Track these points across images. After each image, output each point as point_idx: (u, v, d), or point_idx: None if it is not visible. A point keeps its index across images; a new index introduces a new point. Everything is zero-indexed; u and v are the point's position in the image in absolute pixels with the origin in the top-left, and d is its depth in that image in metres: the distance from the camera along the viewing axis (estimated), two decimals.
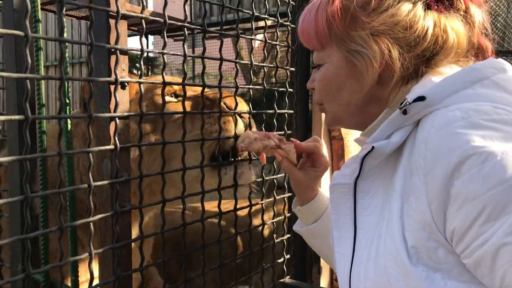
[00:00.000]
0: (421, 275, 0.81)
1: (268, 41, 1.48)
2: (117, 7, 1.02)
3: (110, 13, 1.03)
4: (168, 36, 1.12)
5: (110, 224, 1.08)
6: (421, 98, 0.87)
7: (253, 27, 1.45)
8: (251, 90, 1.43)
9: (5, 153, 1.57)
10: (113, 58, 1.05)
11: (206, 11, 1.28)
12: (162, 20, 1.14)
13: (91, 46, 0.97)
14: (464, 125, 0.80)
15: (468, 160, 0.76)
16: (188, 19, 1.24)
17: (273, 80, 7.63)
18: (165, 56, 1.16)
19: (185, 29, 1.21)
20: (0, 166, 1.52)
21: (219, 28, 1.37)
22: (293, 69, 1.64)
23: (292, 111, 1.65)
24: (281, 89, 1.58)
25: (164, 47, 1.17)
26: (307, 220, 1.29)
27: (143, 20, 1.11)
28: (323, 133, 1.70)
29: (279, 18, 1.51)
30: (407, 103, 0.88)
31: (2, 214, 1.30)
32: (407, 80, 0.97)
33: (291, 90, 1.61)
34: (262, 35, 1.52)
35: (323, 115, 1.70)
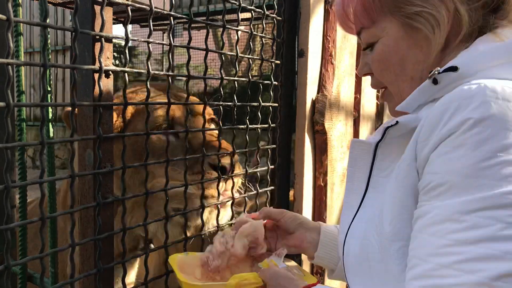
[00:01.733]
0: (395, 246, 0.84)
1: (254, 33, 1.46)
2: None
3: None
4: (146, 26, 1.09)
5: (92, 215, 1.05)
6: (453, 69, 0.81)
7: (239, 18, 1.44)
8: (236, 83, 1.42)
9: None
10: (97, 45, 1.02)
11: (193, 1, 1.26)
12: (148, 8, 1.12)
13: (75, 33, 0.94)
14: (471, 104, 0.74)
15: (449, 137, 0.75)
16: (169, 8, 1.21)
17: (254, 73, 7.63)
18: (142, 46, 1.14)
19: (171, 18, 1.19)
20: None
21: (201, 18, 1.35)
22: (278, 61, 1.63)
23: (276, 104, 1.64)
24: (265, 81, 1.56)
25: (149, 35, 1.15)
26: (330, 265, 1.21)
27: (128, 8, 1.08)
28: (306, 127, 1.70)
29: (265, 10, 1.50)
30: (436, 72, 0.82)
31: None
32: (472, 37, 0.88)
33: (276, 83, 1.60)
34: (245, 27, 1.50)
35: (307, 108, 1.70)
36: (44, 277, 0.95)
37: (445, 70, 0.81)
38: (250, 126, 1.48)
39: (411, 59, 0.92)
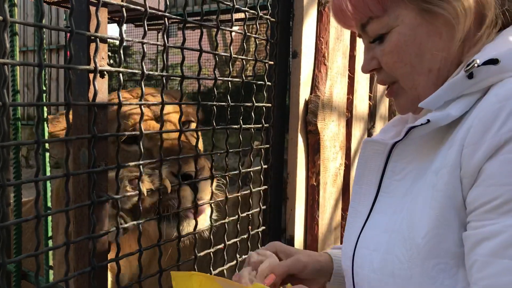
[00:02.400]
0: (431, 262, 0.76)
1: (247, 34, 1.48)
2: None
3: (91, 0, 1.01)
4: (141, 25, 1.10)
5: (86, 214, 1.07)
6: (493, 61, 0.74)
7: (233, 19, 1.45)
8: (229, 83, 1.43)
9: None
10: (92, 46, 1.03)
11: (188, 1, 1.28)
12: (142, 9, 1.13)
13: (71, 33, 0.95)
14: None
15: (511, 143, 0.68)
16: (163, 8, 1.23)
17: (248, 73, 7.62)
18: (137, 45, 1.15)
19: (166, 19, 1.21)
20: None
21: (195, 18, 1.36)
22: (271, 62, 1.65)
23: (269, 105, 1.65)
24: (259, 82, 1.58)
25: (144, 36, 1.16)
26: None
27: (123, 9, 1.09)
28: (299, 127, 1.72)
29: (259, 11, 1.52)
30: (475, 65, 0.75)
31: None
32: (497, 22, 0.82)
33: (269, 83, 1.62)
34: (239, 27, 1.52)
35: (300, 109, 1.72)
36: (39, 276, 0.96)
37: (485, 63, 0.74)
38: (243, 126, 1.50)
39: (430, 48, 0.84)
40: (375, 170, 0.92)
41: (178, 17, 1.28)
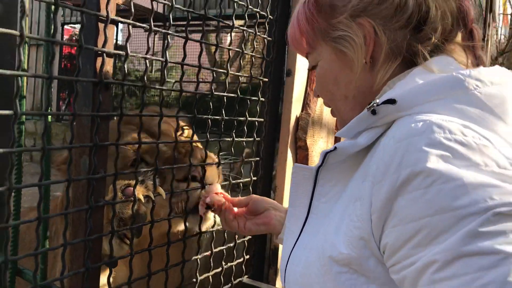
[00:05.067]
0: (342, 277, 0.84)
1: (245, 52, 1.55)
2: (107, 12, 1.06)
3: (100, 17, 1.07)
4: (137, 26, 1.17)
5: (83, 217, 1.12)
6: (391, 101, 0.84)
7: (232, 38, 1.52)
8: (224, 98, 1.50)
9: None
10: (99, 60, 1.09)
11: (189, 17, 1.34)
12: (147, 26, 1.20)
13: (80, 48, 1.02)
14: (422, 141, 0.75)
15: (415, 180, 0.74)
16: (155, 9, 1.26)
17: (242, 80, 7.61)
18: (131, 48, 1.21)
19: (168, 36, 1.27)
20: None
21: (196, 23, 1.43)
22: (266, 79, 1.72)
23: (262, 119, 1.73)
24: (253, 98, 1.65)
25: (147, 52, 1.22)
26: None
27: (129, 26, 1.16)
28: (289, 142, 1.79)
29: (257, 30, 1.59)
30: (375, 104, 0.85)
31: None
32: (396, 56, 0.93)
33: (263, 99, 1.69)
34: (236, 33, 1.58)
35: (291, 125, 1.79)
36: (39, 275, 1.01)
37: (384, 102, 0.85)
38: (236, 139, 1.56)
39: (344, 79, 0.99)
40: (306, 194, 1.00)
41: (180, 35, 1.35)
